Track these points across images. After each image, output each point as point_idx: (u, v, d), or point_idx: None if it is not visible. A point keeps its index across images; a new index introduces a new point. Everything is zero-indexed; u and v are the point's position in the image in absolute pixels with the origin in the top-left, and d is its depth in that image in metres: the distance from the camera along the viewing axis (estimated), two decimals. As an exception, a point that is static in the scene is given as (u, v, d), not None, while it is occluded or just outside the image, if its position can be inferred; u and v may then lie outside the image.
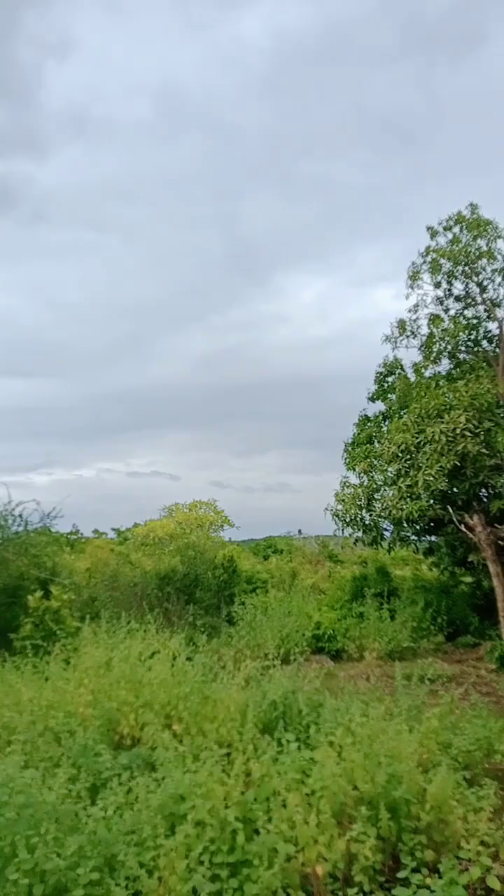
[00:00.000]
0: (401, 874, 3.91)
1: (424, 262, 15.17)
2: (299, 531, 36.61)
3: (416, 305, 15.50)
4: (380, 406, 17.20)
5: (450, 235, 14.95)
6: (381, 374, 16.98)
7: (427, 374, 15.72)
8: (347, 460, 16.29)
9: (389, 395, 16.68)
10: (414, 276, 15.33)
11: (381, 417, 16.86)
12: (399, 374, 16.35)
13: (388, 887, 4.12)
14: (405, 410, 14.93)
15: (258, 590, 18.94)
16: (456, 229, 14.85)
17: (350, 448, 16.75)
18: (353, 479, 15.79)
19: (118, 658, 7.64)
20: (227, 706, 6.44)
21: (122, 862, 3.83)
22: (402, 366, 16.38)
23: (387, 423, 16.06)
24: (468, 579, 19.56)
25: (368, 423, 16.84)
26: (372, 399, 17.24)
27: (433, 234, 15.21)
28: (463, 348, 15.36)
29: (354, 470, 15.60)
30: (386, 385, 16.86)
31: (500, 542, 14.31)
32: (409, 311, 15.65)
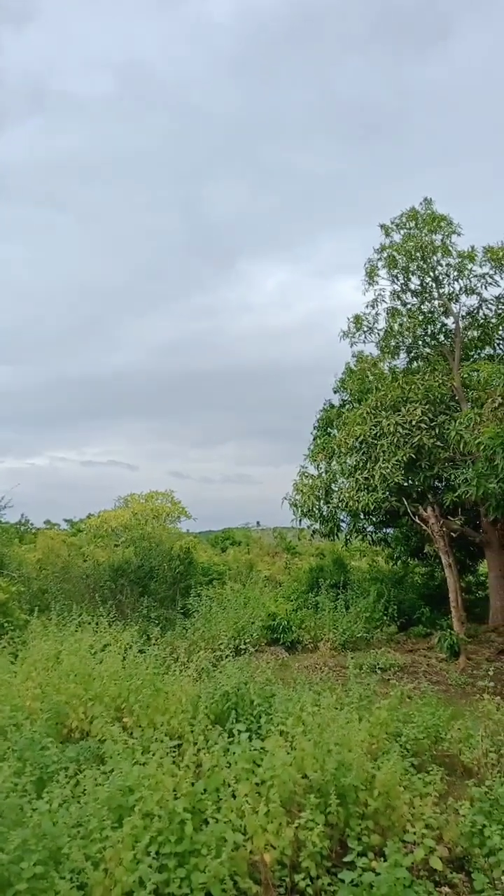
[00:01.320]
0: (347, 858, 3.94)
1: (380, 258, 15.33)
2: (257, 523, 36.77)
3: (375, 300, 15.64)
4: (342, 397, 17.48)
5: (404, 231, 15.12)
6: (349, 364, 17.24)
7: (384, 367, 15.93)
8: (311, 450, 16.43)
9: (347, 389, 16.91)
10: (371, 273, 15.47)
11: (339, 409, 17.08)
12: (358, 366, 16.53)
13: (334, 872, 4.16)
14: (361, 403, 15.11)
15: (214, 582, 18.93)
16: (410, 225, 15.02)
17: (316, 437, 16.93)
18: (312, 470, 15.92)
19: (68, 651, 7.51)
20: (179, 698, 6.41)
21: (66, 855, 3.76)
22: (363, 359, 16.56)
23: (343, 414, 16.24)
24: (421, 570, 19.99)
25: (329, 414, 17.07)
26: (336, 391, 17.49)
27: (387, 231, 15.38)
28: (420, 342, 15.59)
29: (315, 461, 15.72)
30: (348, 377, 17.08)
31: (452, 533, 14.61)
32: (367, 306, 15.81)
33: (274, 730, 5.31)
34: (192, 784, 4.43)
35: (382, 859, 4.03)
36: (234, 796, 4.40)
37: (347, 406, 16.61)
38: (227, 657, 8.09)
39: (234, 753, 4.87)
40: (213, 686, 6.83)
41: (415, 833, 4.34)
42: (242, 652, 9.15)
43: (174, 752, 4.96)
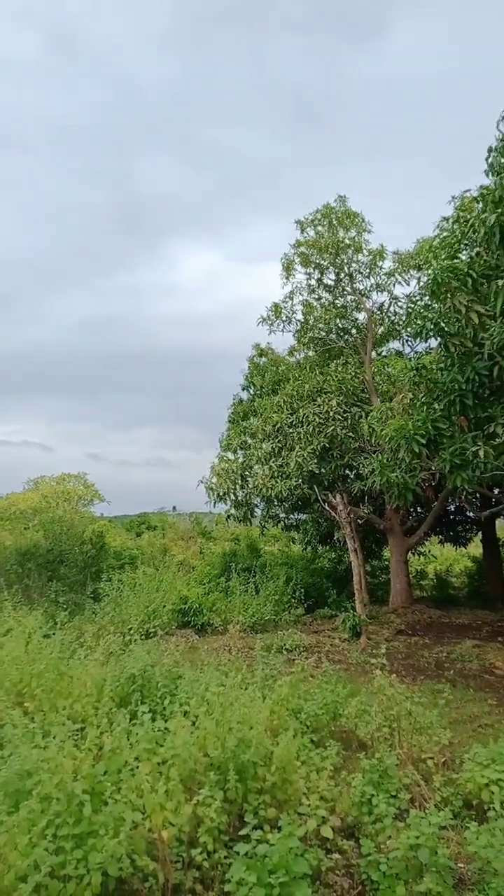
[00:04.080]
0: (243, 832, 4.08)
1: (296, 253, 15.60)
2: (174, 508, 36.68)
3: (291, 293, 15.94)
4: (250, 392, 17.90)
5: (319, 228, 15.45)
6: (253, 356, 17.57)
7: (299, 357, 16.30)
8: (224, 439, 16.59)
9: (255, 384, 17.34)
10: (288, 267, 15.73)
11: (250, 402, 17.40)
12: (270, 357, 16.88)
13: (232, 846, 4.30)
14: (276, 393, 15.42)
15: (127, 566, 18.76)
16: (325, 222, 15.36)
17: (230, 428, 17.14)
18: (231, 456, 16.10)
19: (-34, 636, 7.25)
20: (84, 682, 6.35)
21: (-42, 843, 3.68)
22: (272, 350, 16.93)
23: (255, 406, 16.58)
24: (330, 555, 20.68)
25: (240, 408, 17.36)
26: (247, 380, 17.75)
27: (302, 227, 15.65)
28: (334, 335, 16.02)
29: (229, 450, 15.90)
30: (258, 365, 17.42)
31: (359, 520, 15.21)
32: (285, 298, 16.10)
33: (177, 710, 5.38)
34: (94, 766, 4.44)
35: (278, 831, 4.21)
36: (134, 777, 4.44)
37: (257, 401, 16.96)
38: (135, 641, 8.10)
39: (136, 734, 4.91)
40: (120, 669, 6.82)
41: (309, 805, 4.55)
42: (152, 635, 9.17)
43: (77, 735, 4.93)
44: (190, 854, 4.14)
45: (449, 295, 8.20)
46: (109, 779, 4.41)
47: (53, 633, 8.01)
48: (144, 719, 4.97)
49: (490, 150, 8.39)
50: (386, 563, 19.22)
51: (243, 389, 18.20)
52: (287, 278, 15.89)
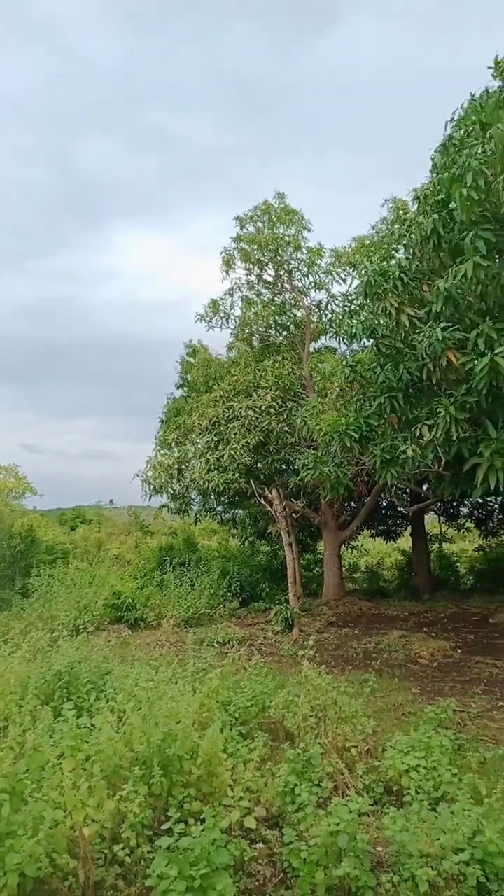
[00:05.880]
0: (166, 825, 4.08)
1: (236, 248, 15.63)
2: (111, 501, 36.11)
3: (231, 289, 15.97)
4: (184, 392, 18.00)
5: (259, 224, 15.53)
6: (185, 355, 17.65)
7: (235, 354, 16.38)
8: (160, 436, 16.50)
9: (188, 383, 17.43)
10: (227, 262, 15.73)
11: (185, 399, 17.42)
12: (202, 356, 16.96)
13: (155, 840, 4.29)
14: (211, 391, 15.47)
15: (59, 561, 18.34)
16: (265, 218, 15.44)
17: (164, 424, 17.06)
18: (167, 451, 16.00)
19: None
20: (7, 679, 6.18)
21: None
22: (205, 348, 17.02)
23: (189, 403, 16.60)
24: (266, 549, 20.88)
25: (177, 401, 17.36)
26: (178, 386, 17.89)
27: (242, 223, 15.68)
28: (272, 332, 16.15)
29: (165, 445, 15.82)
30: (190, 363, 17.50)
31: (294, 514, 15.41)
32: (225, 293, 16.12)
33: (103, 706, 5.32)
34: (14, 764, 4.33)
35: (202, 824, 4.23)
36: (56, 774, 4.37)
37: (191, 399, 16.98)
38: (65, 637, 7.94)
39: (60, 731, 4.83)
40: (46, 666, 6.67)
41: (233, 797, 4.59)
42: (82, 631, 9.01)
43: (-2, 734, 4.81)
44: (112, 850, 4.11)
45: (381, 296, 8.40)
46: (31, 777, 4.32)
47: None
48: (69, 716, 4.89)
49: (435, 150, 8.62)
50: (320, 556, 19.58)
51: (177, 388, 18.21)
52: (227, 273, 15.90)
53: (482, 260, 7.13)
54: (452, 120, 8.42)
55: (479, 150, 7.12)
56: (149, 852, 4.18)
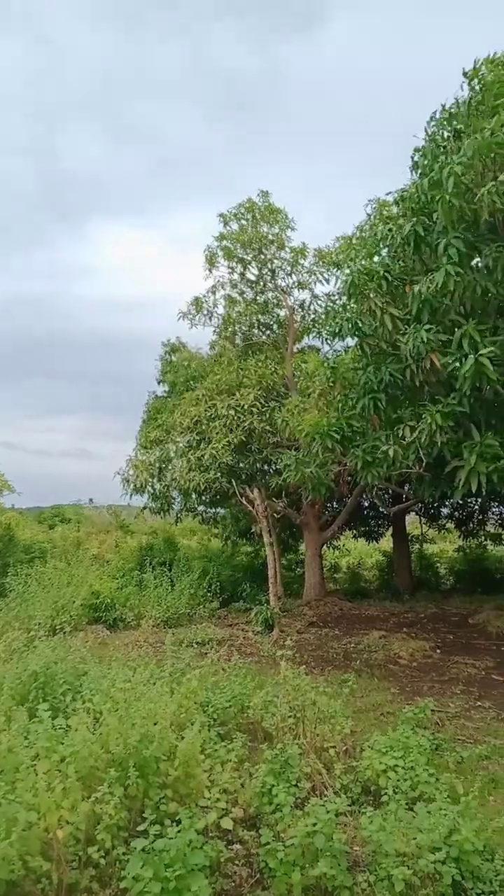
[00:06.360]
0: (141, 827, 4.04)
1: (219, 246, 15.59)
2: (91, 500, 35.84)
3: (214, 287, 15.93)
4: (164, 389, 17.93)
5: (243, 222, 15.52)
6: (164, 353, 17.60)
7: (218, 351, 16.35)
8: (140, 436, 16.42)
9: (168, 381, 17.38)
10: (211, 260, 15.70)
11: (165, 398, 17.38)
12: (182, 354, 16.93)
13: (130, 842, 4.24)
14: (192, 389, 15.44)
15: (37, 560, 18.12)
16: (248, 216, 15.43)
17: (145, 423, 16.99)
18: (149, 450, 15.91)
19: None
20: (-18, 680, 6.08)
21: None
22: (184, 346, 16.97)
23: (169, 402, 16.55)
24: (248, 549, 20.86)
25: (155, 404, 17.33)
26: (159, 382, 17.82)
27: (225, 220, 15.65)
28: (255, 330, 16.14)
29: (146, 445, 15.74)
30: (170, 362, 17.46)
31: (275, 514, 15.41)
32: (208, 291, 16.06)
33: (80, 707, 5.26)
34: (-13, 768, 4.25)
35: (178, 825, 4.19)
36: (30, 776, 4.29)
37: (172, 398, 16.93)
38: (41, 637, 7.84)
39: (35, 732, 4.75)
40: (22, 667, 6.58)
41: (210, 798, 4.55)
42: (59, 631, 8.92)
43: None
44: (87, 852, 4.05)
45: (365, 296, 8.41)
46: (4, 779, 4.25)
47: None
48: (44, 717, 4.82)
49: (415, 150, 8.64)
50: (301, 556, 19.61)
51: (158, 383, 18.10)
52: (210, 271, 15.86)
53: (452, 268, 7.18)
54: (432, 121, 8.45)
55: (457, 158, 7.19)
56: (124, 854, 4.13)
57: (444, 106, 8.23)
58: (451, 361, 7.29)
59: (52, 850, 4.04)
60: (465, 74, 8.03)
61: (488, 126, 6.93)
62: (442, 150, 7.96)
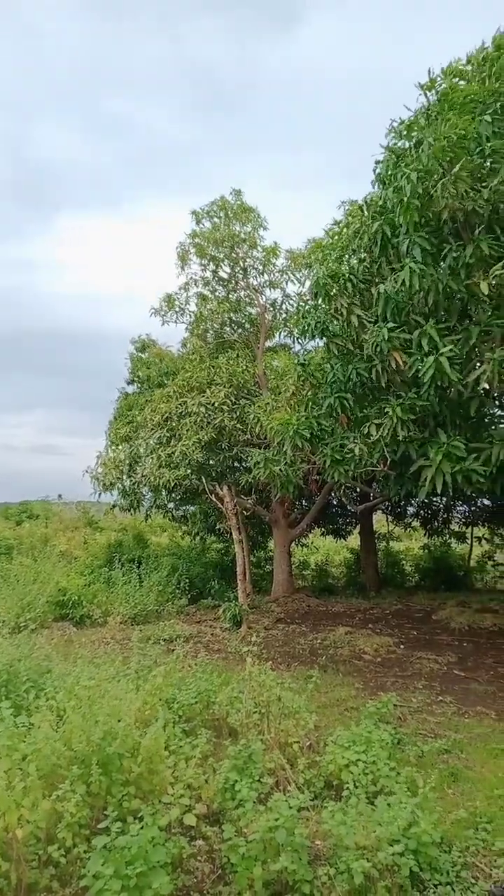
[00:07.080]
0: (102, 825, 4.02)
1: (192, 243, 15.55)
2: (59, 496, 35.35)
3: (186, 284, 15.88)
4: (136, 388, 17.87)
5: (216, 220, 15.50)
6: (134, 350, 17.53)
7: (189, 348, 16.32)
8: (110, 433, 16.30)
9: (138, 379, 17.32)
10: (183, 257, 15.65)
11: (136, 395, 17.29)
12: (153, 351, 16.87)
13: (91, 840, 4.22)
14: (163, 386, 15.40)
15: (3, 556, 17.86)
16: (221, 214, 15.42)
17: (114, 420, 16.86)
18: (118, 447, 15.80)
19: None
20: None
21: None
22: (154, 343, 16.90)
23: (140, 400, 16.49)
24: (218, 546, 20.85)
25: (128, 397, 17.22)
26: (129, 382, 17.74)
27: (198, 218, 15.61)
28: (227, 328, 16.13)
29: (115, 442, 15.64)
30: (140, 358, 17.39)
31: (244, 511, 15.45)
32: (180, 288, 16.01)
33: (43, 705, 5.21)
34: None
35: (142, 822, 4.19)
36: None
37: (142, 395, 16.86)
38: (5, 635, 7.74)
39: (-4, 731, 4.69)
40: (-16, 665, 6.48)
41: (173, 794, 4.56)
42: (23, 629, 8.80)
43: None
44: (47, 851, 4.02)
45: (333, 297, 8.49)
46: (-38, 779, 4.19)
47: None
48: (6, 715, 4.76)
49: (377, 162, 8.75)
50: (270, 553, 19.69)
51: (128, 383, 18.03)
52: (182, 268, 15.82)
53: (417, 266, 7.31)
54: (390, 132, 8.55)
55: (413, 164, 7.34)
56: (85, 852, 4.12)
57: (401, 118, 8.36)
58: (412, 360, 7.43)
59: (12, 849, 4.00)
60: (420, 86, 8.16)
61: (443, 132, 7.09)
62: (401, 159, 8.09)
